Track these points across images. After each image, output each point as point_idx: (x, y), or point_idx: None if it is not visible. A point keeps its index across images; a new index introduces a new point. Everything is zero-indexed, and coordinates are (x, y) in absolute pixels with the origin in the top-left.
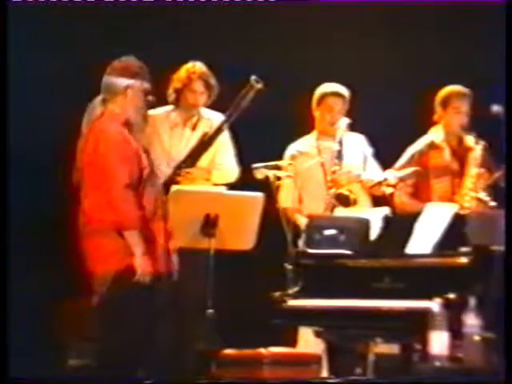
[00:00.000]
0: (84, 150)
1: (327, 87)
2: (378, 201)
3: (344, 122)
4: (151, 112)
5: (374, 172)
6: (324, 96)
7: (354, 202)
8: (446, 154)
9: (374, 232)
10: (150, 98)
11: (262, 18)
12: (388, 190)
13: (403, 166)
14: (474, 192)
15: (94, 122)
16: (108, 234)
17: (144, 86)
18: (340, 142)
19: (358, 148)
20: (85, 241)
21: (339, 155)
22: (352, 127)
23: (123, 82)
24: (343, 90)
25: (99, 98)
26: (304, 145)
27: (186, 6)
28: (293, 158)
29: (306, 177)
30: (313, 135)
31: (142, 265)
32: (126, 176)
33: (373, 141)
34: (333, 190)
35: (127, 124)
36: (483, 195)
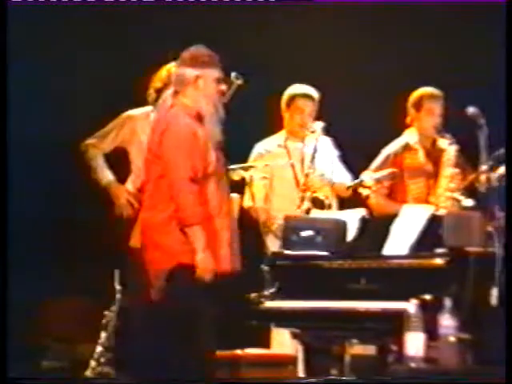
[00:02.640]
0: (151, 142)
1: (297, 88)
2: (354, 202)
3: (319, 125)
4: (130, 112)
5: (342, 175)
6: (294, 97)
7: (329, 207)
8: (421, 156)
9: (351, 233)
10: (223, 86)
11: (240, 18)
12: (364, 192)
13: (378, 168)
14: (449, 192)
15: (163, 115)
16: (169, 228)
17: (215, 75)
18: (315, 146)
19: (327, 151)
20: (145, 234)
21: (312, 158)
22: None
23: (193, 72)
24: (313, 92)
25: (171, 91)
26: (271, 144)
27: (164, 5)
28: (260, 157)
29: (274, 177)
30: (281, 135)
31: (203, 261)
32: (190, 170)
33: (345, 143)
34: (309, 194)
35: (199, 116)
36: (458, 195)
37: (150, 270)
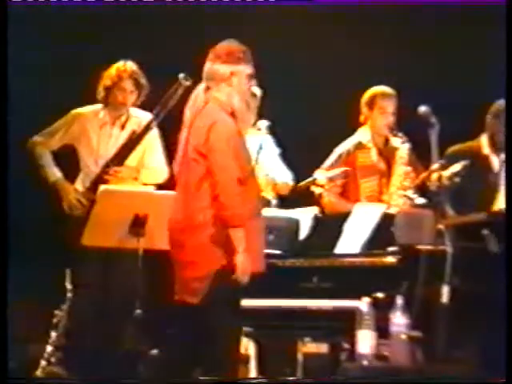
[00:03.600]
0: (190, 140)
1: None
2: (307, 201)
3: (264, 124)
4: (79, 110)
5: (284, 173)
6: None
7: (276, 207)
8: (373, 154)
9: (303, 232)
10: (253, 83)
11: (193, 18)
12: (317, 190)
13: (332, 166)
14: (401, 190)
15: (200, 110)
16: (212, 229)
17: (248, 72)
18: (260, 144)
19: (269, 149)
20: (183, 237)
21: (257, 157)
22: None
23: (228, 68)
24: (255, 89)
25: (203, 86)
26: None
27: (118, 5)
28: None
29: None
30: None
31: (244, 263)
32: (238, 170)
33: (295, 142)
34: None
35: (233, 113)
36: (411, 193)
37: (189, 272)
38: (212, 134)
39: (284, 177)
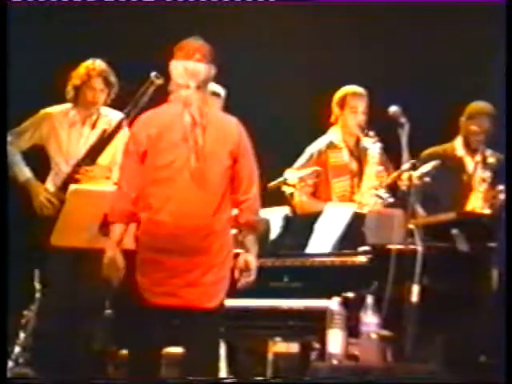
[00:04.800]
0: (210, 143)
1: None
2: (278, 200)
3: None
4: (48, 109)
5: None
6: None
7: None
8: (345, 154)
9: (274, 231)
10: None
11: (164, 15)
12: (288, 190)
13: (303, 166)
14: (373, 190)
15: (206, 113)
16: (231, 232)
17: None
18: None
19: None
20: (209, 241)
21: None
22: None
23: (214, 68)
24: (217, 89)
25: (194, 86)
26: None
27: (87, 4)
28: None
29: None
30: None
31: (256, 264)
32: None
33: (267, 142)
34: None
35: None
36: (382, 192)
37: (210, 277)
38: (242, 136)
39: None
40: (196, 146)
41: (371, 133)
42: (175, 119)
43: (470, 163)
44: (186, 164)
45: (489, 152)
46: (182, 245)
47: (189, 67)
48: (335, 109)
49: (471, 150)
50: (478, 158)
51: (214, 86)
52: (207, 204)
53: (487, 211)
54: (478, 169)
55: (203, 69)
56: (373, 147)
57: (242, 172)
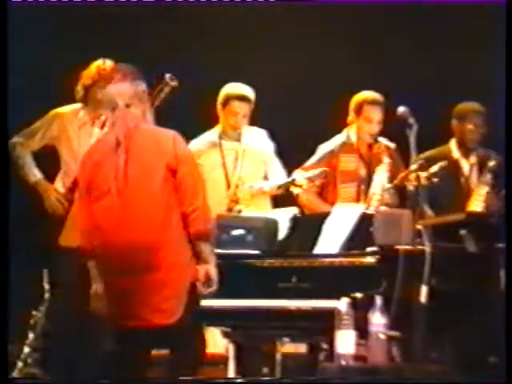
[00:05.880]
0: (132, 161)
1: (232, 88)
2: (286, 201)
3: (247, 130)
4: (58, 109)
5: (276, 173)
6: (229, 99)
7: None
8: (356, 160)
9: (282, 232)
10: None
11: (174, 16)
12: (296, 191)
13: (313, 166)
14: (380, 196)
15: (134, 130)
16: (185, 245)
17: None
18: (242, 154)
19: (258, 146)
20: (159, 256)
21: (241, 168)
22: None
23: (142, 86)
24: (248, 93)
25: (122, 104)
26: (206, 142)
27: (99, 4)
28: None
29: (207, 177)
30: (215, 132)
31: (215, 274)
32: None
33: (280, 141)
34: (237, 207)
35: None
36: (388, 198)
37: (163, 293)
38: (178, 148)
39: (273, 181)
40: (117, 166)
41: (383, 140)
42: (102, 143)
43: (465, 165)
44: (114, 184)
45: (484, 152)
46: (132, 264)
47: (112, 90)
48: (351, 113)
49: (466, 151)
50: (473, 159)
51: (242, 90)
52: (149, 220)
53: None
54: (474, 171)
55: (126, 87)
56: (383, 154)
57: (184, 183)
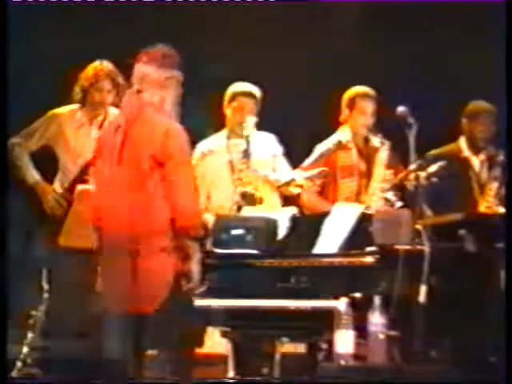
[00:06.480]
0: (128, 146)
1: (239, 87)
2: (286, 200)
3: (251, 120)
4: (56, 110)
5: (282, 171)
6: (235, 95)
7: (260, 201)
8: (353, 155)
9: (282, 232)
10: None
11: (173, 16)
12: (296, 190)
13: (311, 165)
14: (381, 192)
15: (136, 117)
16: (168, 237)
17: (180, 78)
18: (247, 141)
19: (266, 147)
20: (142, 243)
21: (246, 154)
22: (263, 126)
23: (163, 73)
24: (255, 90)
25: (133, 90)
26: (214, 143)
27: (94, 4)
28: (203, 155)
29: (215, 175)
30: (223, 133)
31: (198, 271)
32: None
33: (285, 140)
34: (239, 189)
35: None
36: (390, 195)
37: (146, 281)
38: (170, 141)
39: (279, 175)
40: (114, 149)
41: (379, 134)
42: (110, 123)
43: (476, 163)
44: (109, 163)
45: (494, 150)
46: (116, 248)
47: (137, 70)
48: (344, 109)
49: (476, 149)
50: (483, 156)
51: (248, 87)
52: (133, 204)
53: (502, 209)
54: (484, 167)
55: (149, 71)
56: (381, 148)
57: (171, 177)
